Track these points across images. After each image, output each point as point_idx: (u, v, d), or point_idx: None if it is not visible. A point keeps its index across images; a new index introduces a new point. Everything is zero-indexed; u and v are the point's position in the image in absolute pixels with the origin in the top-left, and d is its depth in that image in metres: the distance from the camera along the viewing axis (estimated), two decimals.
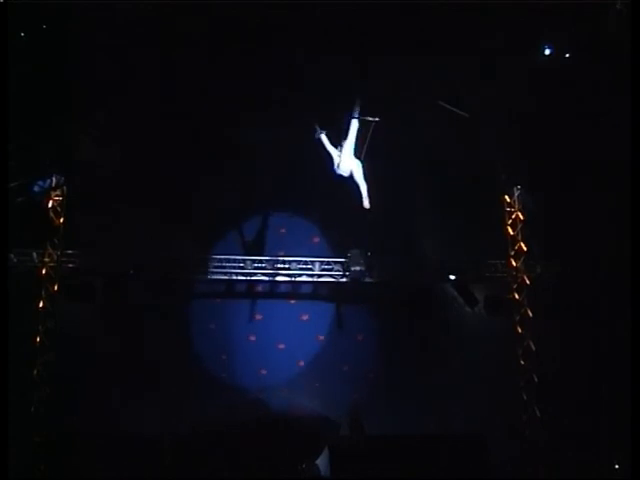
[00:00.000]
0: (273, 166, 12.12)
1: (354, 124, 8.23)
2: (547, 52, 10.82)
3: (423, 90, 11.17)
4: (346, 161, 8.16)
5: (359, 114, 8.20)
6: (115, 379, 11.79)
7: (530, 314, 12.28)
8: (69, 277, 12.11)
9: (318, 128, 8.33)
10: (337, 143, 8.19)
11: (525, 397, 12.15)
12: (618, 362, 10.52)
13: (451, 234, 12.63)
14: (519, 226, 12.44)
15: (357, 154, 8.16)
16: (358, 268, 12.70)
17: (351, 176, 8.21)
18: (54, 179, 11.76)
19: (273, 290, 13.26)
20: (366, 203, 8.10)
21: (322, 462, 11.24)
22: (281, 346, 13.01)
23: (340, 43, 10.44)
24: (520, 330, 12.32)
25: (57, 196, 11.87)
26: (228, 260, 12.77)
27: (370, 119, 8.14)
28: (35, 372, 11.51)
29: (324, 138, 8.32)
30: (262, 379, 12.84)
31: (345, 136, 8.18)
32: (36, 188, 11.60)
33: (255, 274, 12.89)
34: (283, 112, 11.34)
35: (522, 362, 12.20)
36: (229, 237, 12.95)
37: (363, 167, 8.09)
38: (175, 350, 12.35)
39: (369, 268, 12.78)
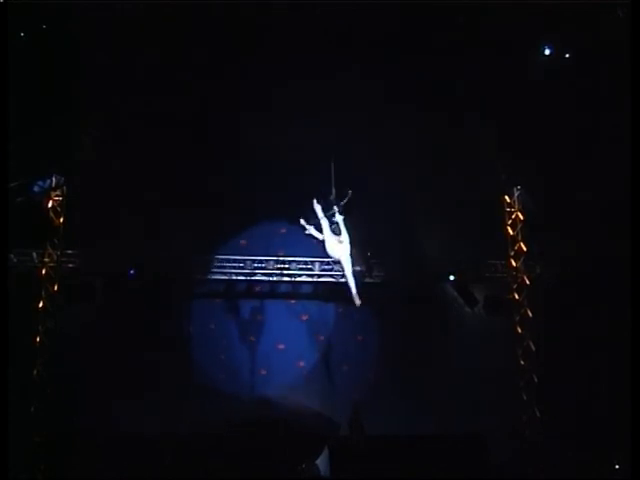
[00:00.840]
0: (274, 166, 12.11)
1: (324, 223, 8.22)
2: (547, 52, 10.84)
3: (422, 89, 11.19)
4: (333, 249, 8.29)
5: (324, 210, 8.22)
6: (115, 379, 11.77)
7: (530, 314, 12.29)
8: (69, 277, 12.10)
9: (305, 224, 8.28)
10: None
11: (525, 397, 12.16)
12: (618, 362, 10.52)
13: (451, 234, 12.62)
14: (519, 226, 12.44)
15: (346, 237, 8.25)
16: (358, 268, 12.69)
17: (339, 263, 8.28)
18: (54, 179, 11.76)
19: (273, 290, 13.25)
20: (357, 301, 8.07)
21: (322, 462, 11.23)
22: (281, 346, 12.99)
23: (340, 43, 10.47)
24: (520, 330, 12.32)
25: (57, 196, 11.87)
26: (228, 260, 12.77)
27: (338, 208, 8.23)
28: (35, 372, 11.51)
29: (313, 231, 8.30)
30: (262, 379, 12.83)
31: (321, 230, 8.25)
32: (36, 188, 11.60)
33: (255, 274, 12.90)
34: (282, 112, 11.36)
35: (522, 362, 12.21)
36: (229, 237, 12.94)
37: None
38: (175, 350, 12.34)
39: (369, 268, 12.77)
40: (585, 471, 11.20)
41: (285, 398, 12.71)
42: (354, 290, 8.13)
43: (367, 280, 12.80)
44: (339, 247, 8.21)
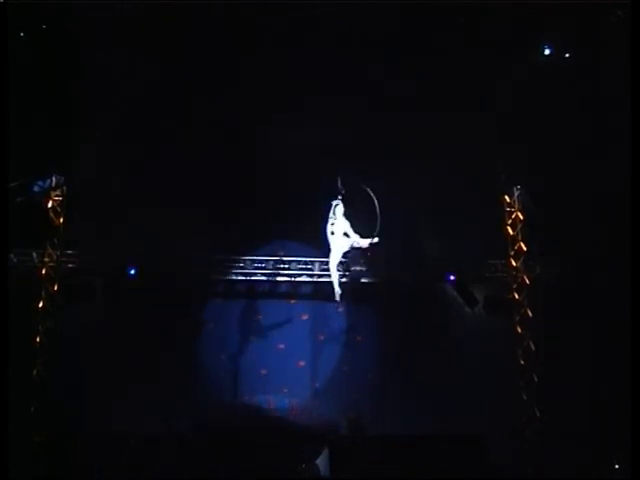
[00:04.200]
0: (275, 165, 12.11)
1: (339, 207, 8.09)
2: (547, 52, 10.85)
3: (422, 89, 11.19)
4: (330, 238, 8.07)
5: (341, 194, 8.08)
6: (115, 379, 11.77)
7: (530, 314, 12.29)
8: (69, 277, 12.11)
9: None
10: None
11: (525, 397, 12.16)
12: (618, 362, 10.52)
13: (451, 234, 12.62)
14: (519, 226, 12.45)
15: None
16: (358, 268, 12.70)
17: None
18: (54, 179, 11.77)
19: (273, 290, 13.25)
20: (337, 295, 7.99)
21: (322, 462, 11.23)
22: (281, 346, 13.00)
23: (340, 43, 10.48)
24: (520, 330, 12.32)
25: (57, 196, 11.88)
26: (228, 260, 12.77)
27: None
28: (35, 372, 11.52)
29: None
30: (262, 379, 12.83)
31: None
32: (36, 188, 11.60)
33: (255, 274, 12.90)
34: (282, 111, 11.37)
35: (522, 362, 12.21)
36: (229, 237, 12.93)
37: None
38: (175, 350, 12.34)
39: (369, 268, 12.78)
40: (585, 471, 11.19)
41: (285, 398, 12.74)
42: (337, 287, 8.03)
43: (367, 280, 12.83)
44: (331, 237, 8.06)
